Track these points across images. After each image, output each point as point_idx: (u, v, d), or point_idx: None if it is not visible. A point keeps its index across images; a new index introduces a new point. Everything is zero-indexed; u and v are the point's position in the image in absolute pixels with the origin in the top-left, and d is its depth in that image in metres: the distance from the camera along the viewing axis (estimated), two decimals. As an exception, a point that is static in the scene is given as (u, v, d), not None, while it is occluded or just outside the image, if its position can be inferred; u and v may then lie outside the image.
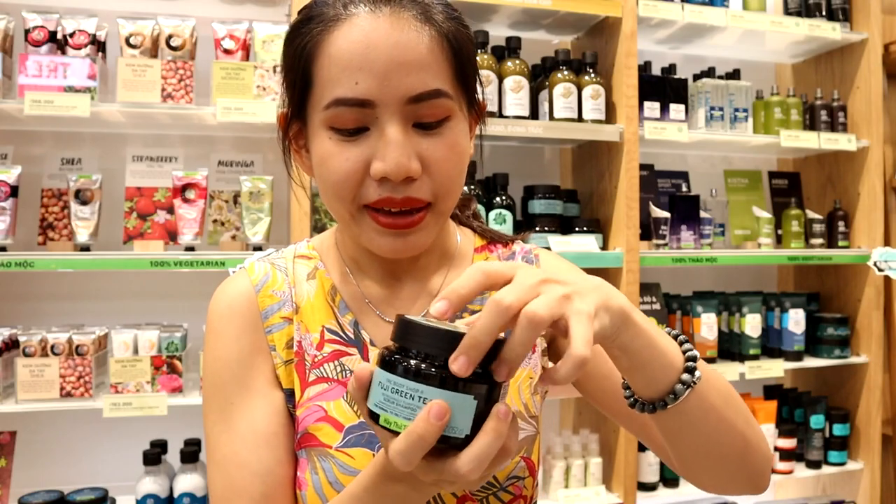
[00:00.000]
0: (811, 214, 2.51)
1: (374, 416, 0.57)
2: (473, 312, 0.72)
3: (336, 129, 0.73)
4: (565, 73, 2.12)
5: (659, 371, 0.65)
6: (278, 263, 0.87)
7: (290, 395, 0.81)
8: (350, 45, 0.72)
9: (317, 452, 0.78)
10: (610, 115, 2.18)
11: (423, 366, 0.55)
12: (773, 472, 2.35)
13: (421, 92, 0.72)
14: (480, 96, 0.84)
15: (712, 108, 2.35)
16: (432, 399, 0.54)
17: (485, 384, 0.56)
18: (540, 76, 2.20)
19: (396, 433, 0.55)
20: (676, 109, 2.27)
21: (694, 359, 0.67)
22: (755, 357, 2.35)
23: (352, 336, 0.83)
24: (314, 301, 0.84)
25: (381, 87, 0.71)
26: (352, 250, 0.86)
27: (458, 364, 0.53)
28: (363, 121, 0.73)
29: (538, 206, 2.14)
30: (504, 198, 2.07)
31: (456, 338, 0.54)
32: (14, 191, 1.81)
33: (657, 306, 2.30)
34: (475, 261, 0.89)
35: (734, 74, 2.42)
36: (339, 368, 0.81)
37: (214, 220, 2.03)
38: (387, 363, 0.56)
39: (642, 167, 2.28)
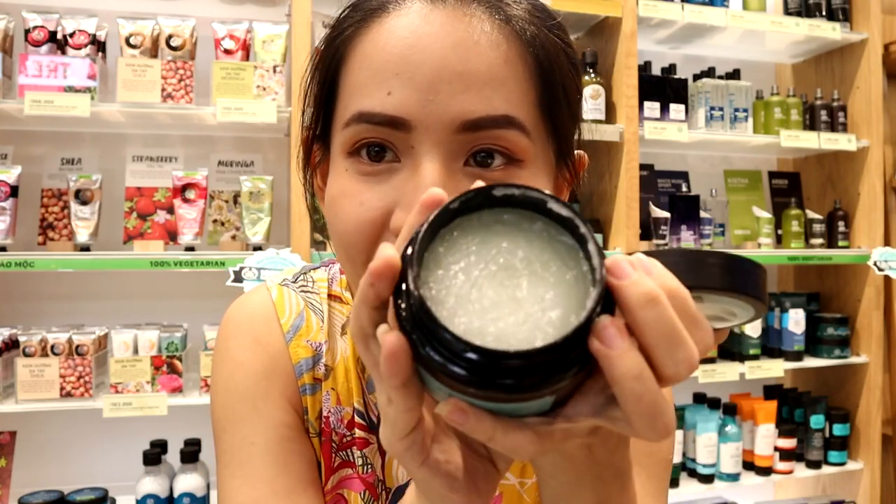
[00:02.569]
0: (811, 214, 2.51)
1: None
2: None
3: (356, 157, 0.53)
4: (565, 73, 2.12)
5: None
6: (312, 302, 0.69)
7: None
8: (390, 42, 0.52)
9: None
10: (610, 115, 2.18)
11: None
12: (774, 471, 2.35)
13: (482, 116, 0.51)
14: (577, 146, 0.60)
15: (712, 108, 2.35)
16: None
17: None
18: (540, 76, 2.20)
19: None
20: (676, 109, 2.27)
21: None
22: (755, 357, 2.35)
23: (376, 421, 0.66)
24: (348, 364, 0.67)
25: (424, 101, 0.50)
26: None
27: None
28: (394, 147, 0.53)
29: (538, 206, 2.13)
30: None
31: None
32: (14, 191, 1.81)
33: (657, 306, 2.30)
34: None
35: (734, 74, 2.42)
36: (362, 460, 0.66)
37: (214, 220, 2.03)
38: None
39: (642, 167, 2.28)
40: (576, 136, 0.61)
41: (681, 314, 0.37)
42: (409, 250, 0.37)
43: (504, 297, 0.37)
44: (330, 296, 0.70)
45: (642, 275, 0.37)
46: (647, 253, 0.41)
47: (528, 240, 0.39)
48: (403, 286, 0.37)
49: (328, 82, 0.57)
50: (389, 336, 0.36)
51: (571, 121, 0.59)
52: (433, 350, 0.36)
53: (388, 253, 0.37)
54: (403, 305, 0.37)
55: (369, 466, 0.66)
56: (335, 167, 0.56)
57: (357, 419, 0.66)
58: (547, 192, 0.38)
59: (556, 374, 0.35)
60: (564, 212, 0.38)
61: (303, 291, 0.71)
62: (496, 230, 0.39)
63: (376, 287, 0.37)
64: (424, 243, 0.37)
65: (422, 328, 0.36)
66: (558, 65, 0.56)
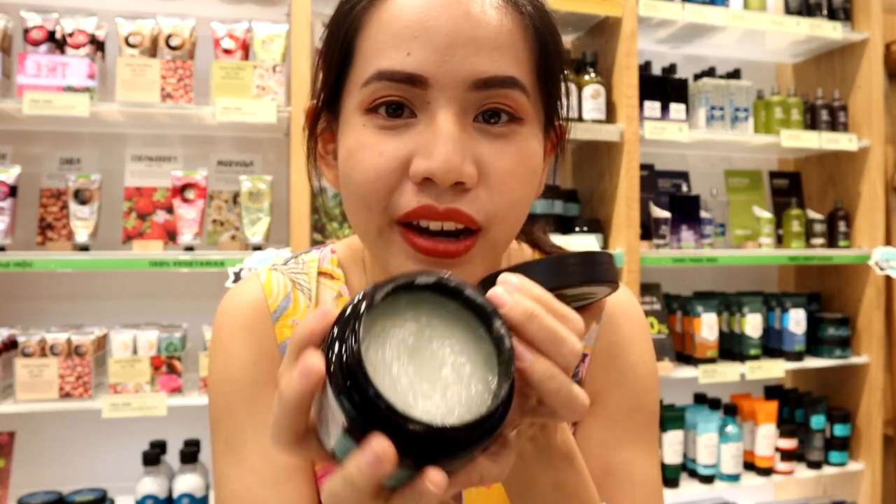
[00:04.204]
0: (812, 214, 2.51)
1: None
2: None
3: (373, 113, 0.58)
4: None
5: None
6: (300, 281, 0.73)
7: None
8: (406, 9, 0.57)
9: None
10: (610, 115, 2.17)
11: None
12: (774, 472, 2.34)
13: (491, 76, 0.57)
14: (563, 117, 0.68)
15: (713, 108, 2.34)
16: None
17: None
18: (540, 76, 2.20)
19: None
20: (677, 109, 2.26)
21: None
22: (756, 357, 2.34)
23: None
24: None
25: (440, 61, 0.56)
26: (379, 272, 0.71)
27: None
28: (411, 104, 0.57)
29: (538, 205, 2.13)
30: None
31: None
32: (13, 191, 1.81)
33: (657, 306, 2.29)
34: None
35: (735, 74, 2.42)
36: None
37: (214, 220, 2.03)
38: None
39: (642, 167, 2.27)
40: (559, 115, 0.68)
41: (553, 315, 0.45)
42: (342, 347, 0.39)
43: (429, 376, 0.42)
44: (320, 273, 0.74)
45: (516, 296, 0.45)
46: (514, 268, 0.50)
47: (443, 319, 0.44)
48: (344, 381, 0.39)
49: (343, 50, 0.61)
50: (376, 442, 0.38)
51: (558, 88, 0.65)
52: (397, 433, 0.38)
53: (313, 361, 0.40)
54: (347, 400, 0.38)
55: None
56: (350, 124, 0.60)
57: None
58: (461, 281, 0.44)
59: (495, 430, 0.41)
60: (478, 299, 0.44)
61: (292, 273, 0.74)
62: (418, 311, 0.43)
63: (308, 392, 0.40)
64: (355, 340, 0.39)
65: (378, 420, 0.38)
66: (552, 37, 0.64)
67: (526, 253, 0.78)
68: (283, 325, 0.70)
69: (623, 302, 0.76)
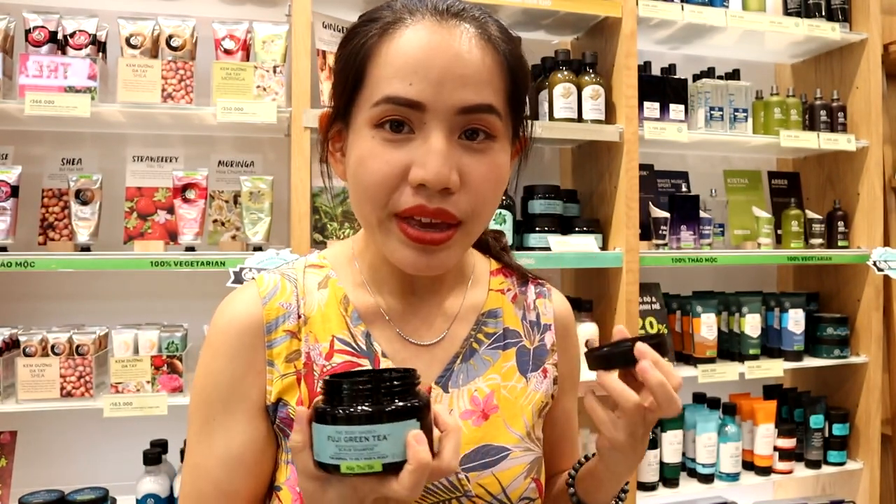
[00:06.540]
0: (811, 214, 2.51)
1: (331, 468, 0.61)
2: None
3: (380, 128, 0.73)
4: (565, 73, 2.12)
5: (609, 491, 0.86)
6: (288, 274, 0.86)
7: (283, 405, 0.81)
8: (409, 47, 0.72)
9: None
10: (610, 116, 2.18)
11: (372, 409, 0.60)
12: (773, 471, 2.35)
13: (473, 104, 0.72)
14: (528, 132, 0.84)
15: (712, 109, 2.35)
16: (385, 433, 0.60)
17: (421, 408, 0.62)
18: (540, 76, 2.20)
19: (360, 475, 0.60)
20: (676, 109, 2.27)
21: (626, 490, 0.90)
22: (755, 357, 2.35)
23: (363, 347, 0.83)
24: (325, 310, 0.83)
25: (435, 92, 0.71)
26: (371, 260, 0.85)
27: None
28: (410, 123, 0.72)
29: (538, 206, 2.14)
30: (504, 198, 2.08)
31: (376, 377, 0.64)
32: (14, 191, 1.81)
33: (657, 306, 2.30)
34: (492, 284, 0.91)
35: (734, 75, 2.43)
36: None
37: (215, 220, 2.03)
38: (337, 417, 0.61)
39: (642, 167, 2.28)
40: (524, 129, 0.84)
41: (662, 370, 0.77)
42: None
43: None
44: (307, 266, 0.87)
45: (653, 370, 0.76)
46: (637, 339, 0.78)
47: None
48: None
49: (356, 73, 0.75)
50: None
51: (524, 109, 0.81)
52: None
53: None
54: None
55: None
56: (361, 134, 0.75)
57: (341, 346, 0.82)
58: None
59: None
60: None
61: (281, 270, 0.87)
62: None
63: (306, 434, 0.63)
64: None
65: None
66: (523, 73, 0.79)
67: (483, 261, 0.94)
68: (272, 307, 0.82)
69: (560, 298, 0.97)
